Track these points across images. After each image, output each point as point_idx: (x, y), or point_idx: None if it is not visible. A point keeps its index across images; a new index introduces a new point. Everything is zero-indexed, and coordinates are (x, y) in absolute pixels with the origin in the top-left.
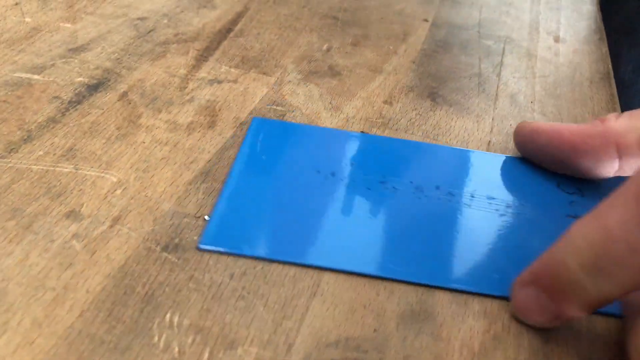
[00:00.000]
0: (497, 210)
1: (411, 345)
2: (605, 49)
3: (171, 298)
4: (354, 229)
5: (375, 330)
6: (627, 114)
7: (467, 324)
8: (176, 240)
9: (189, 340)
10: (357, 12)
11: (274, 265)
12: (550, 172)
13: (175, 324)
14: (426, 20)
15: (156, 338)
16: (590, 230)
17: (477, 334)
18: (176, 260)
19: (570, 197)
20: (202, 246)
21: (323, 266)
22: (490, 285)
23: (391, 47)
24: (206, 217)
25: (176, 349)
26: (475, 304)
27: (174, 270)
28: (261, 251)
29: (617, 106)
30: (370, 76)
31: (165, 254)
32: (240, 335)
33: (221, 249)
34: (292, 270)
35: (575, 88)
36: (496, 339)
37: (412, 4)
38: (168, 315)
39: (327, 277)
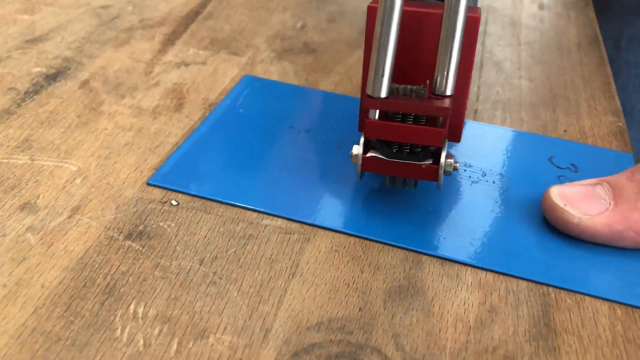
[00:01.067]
0: (469, 177)
1: (400, 322)
2: (592, 14)
3: (135, 288)
4: (318, 183)
5: (360, 309)
6: None
7: (461, 296)
8: (140, 228)
9: (155, 332)
10: None
11: (248, 248)
12: (543, 145)
13: (139, 315)
14: None
15: (119, 331)
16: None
17: (472, 307)
18: (140, 249)
19: (559, 171)
20: (150, 182)
21: (264, 211)
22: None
23: None
24: (173, 202)
25: (141, 342)
26: (468, 275)
27: (138, 259)
28: (208, 192)
29: (608, 69)
30: (348, 51)
31: (128, 242)
32: (212, 323)
33: (168, 186)
34: (269, 250)
35: (564, 54)
36: (493, 311)
37: None
38: (132, 307)
39: (307, 256)
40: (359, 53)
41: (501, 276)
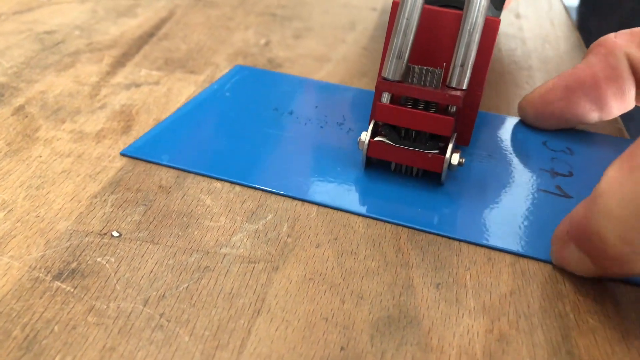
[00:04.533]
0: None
1: None
2: (571, 21)
3: (61, 339)
4: (297, 158)
5: (342, 348)
6: (627, 30)
7: (463, 324)
8: (73, 265)
9: None
10: (297, 7)
11: (203, 282)
12: (537, 130)
13: None
14: (374, 10)
15: None
16: (627, 193)
17: (478, 336)
18: (72, 290)
19: (553, 153)
20: (123, 152)
21: (235, 181)
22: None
23: (338, 36)
24: (115, 233)
25: None
26: (470, 298)
27: (67, 303)
28: (181, 162)
29: None
30: (316, 66)
31: (57, 284)
32: None
33: (141, 157)
34: (229, 284)
35: (547, 59)
36: (503, 340)
37: None
38: None
39: (275, 288)
40: (328, 67)
41: (509, 298)
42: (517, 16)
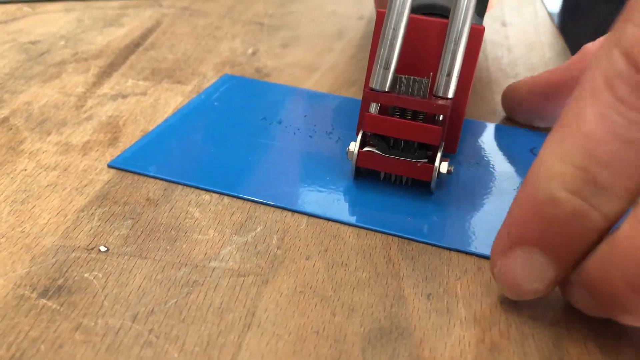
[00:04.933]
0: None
1: None
2: (555, 28)
3: (48, 358)
4: (286, 168)
5: None
6: (603, 37)
7: (455, 335)
8: (60, 282)
9: None
10: (285, 16)
11: (192, 297)
12: (524, 137)
13: None
14: (361, 18)
15: None
16: (568, 147)
17: (470, 346)
18: (58, 307)
19: None
20: (111, 164)
21: (224, 192)
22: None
23: (326, 45)
24: (102, 248)
25: None
26: (461, 308)
27: (54, 321)
28: (169, 173)
29: None
30: (304, 75)
31: (43, 301)
32: None
33: (128, 169)
34: (218, 298)
35: (533, 66)
36: (495, 349)
37: (343, 5)
38: None
39: (265, 301)
40: (316, 76)
41: (499, 307)
42: (503, 24)
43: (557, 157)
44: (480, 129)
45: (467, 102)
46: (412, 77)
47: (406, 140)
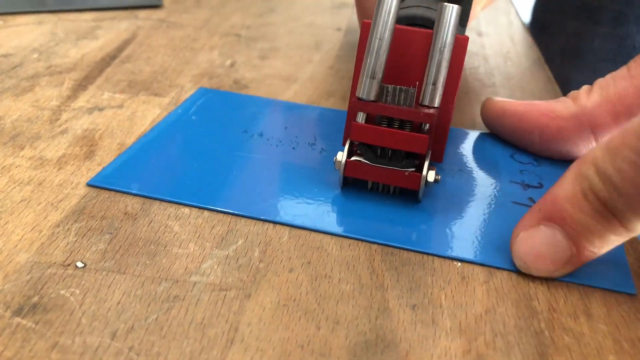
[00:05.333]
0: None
1: None
2: (530, 37)
3: None
4: (269, 182)
5: None
6: (597, 85)
7: (440, 346)
8: (35, 299)
9: None
10: (262, 28)
11: (174, 313)
12: (504, 144)
13: None
14: (339, 29)
15: None
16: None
17: (456, 357)
18: (33, 326)
19: (521, 166)
20: (90, 183)
21: (206, 207)
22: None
23: (304, 56)
24: (79, 264)
25: None
26: (446, 319)
27: (29, 340)
28: (150, 190)
29: (556, 87)
30: (283, 86)
31: (17, 320)
32: None
33: (108, 187)
34: (200, 313)
35: (510, 76)
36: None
37: (321, 16)
38: None
39: (248, 316)
40: (296, 87)
41: (484, 317)
42: (479, 34)
43: (610, 160)
44: (462, 137)
45: (453, 110)
46: (398, 87)
47: (393, 149)
